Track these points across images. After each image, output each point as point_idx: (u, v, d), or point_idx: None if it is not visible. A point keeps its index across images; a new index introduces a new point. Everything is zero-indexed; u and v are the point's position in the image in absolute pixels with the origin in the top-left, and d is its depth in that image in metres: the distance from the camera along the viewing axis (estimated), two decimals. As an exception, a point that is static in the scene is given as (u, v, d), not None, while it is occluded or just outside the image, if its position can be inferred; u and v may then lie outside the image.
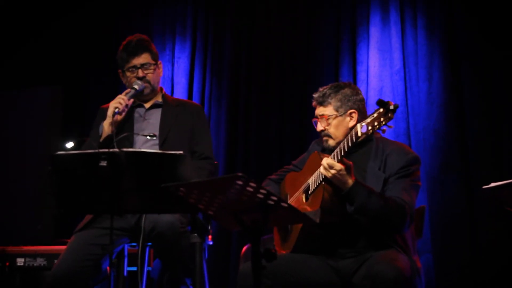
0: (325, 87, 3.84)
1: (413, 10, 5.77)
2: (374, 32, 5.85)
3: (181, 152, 3.35)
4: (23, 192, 6.93)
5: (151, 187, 3.27)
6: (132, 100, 4.23)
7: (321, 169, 3.49)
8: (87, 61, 6.96)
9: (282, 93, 6.20)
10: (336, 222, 3.57)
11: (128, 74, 4.31)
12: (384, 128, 3.32)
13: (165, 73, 6.56)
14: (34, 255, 5.02)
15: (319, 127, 3.79)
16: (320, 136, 3.84)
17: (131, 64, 4.29)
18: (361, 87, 5.81)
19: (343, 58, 5.99)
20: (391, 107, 3.27)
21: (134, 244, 4.06)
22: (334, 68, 6.01)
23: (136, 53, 4.30)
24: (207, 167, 4.24)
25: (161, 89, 4.48)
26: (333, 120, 3.75)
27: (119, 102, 4.11)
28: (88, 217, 4.08)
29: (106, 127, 4.12)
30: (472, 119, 5.45)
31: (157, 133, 4.21)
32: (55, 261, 3.98)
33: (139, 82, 4.25)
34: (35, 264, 5.01)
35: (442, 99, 5.55)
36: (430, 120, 5.55)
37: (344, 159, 3.52)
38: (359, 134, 3.38)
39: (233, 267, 5.94)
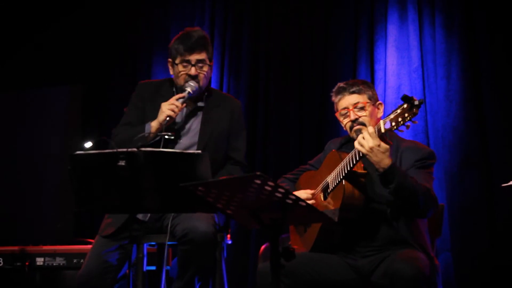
0: (348, 81, 3.86)
1: (431, 7, 5.74)
2: (392, 30, 5.83)
3: (200, 151, 3.35)
4: (42, 192, 6.97)
5: (170, 186, 3.28)
6: (184, 104, 4.09)
7: (359, 139, 3.44)
8: (106, 60, 6.97)
9: (301, 92, 6.18)
10: (355, 219, 3.57)
11: (180, 68, 4.16)
12: (409, 124, 3.30)
13: (183, 72, 6.56)
14: (53, 255, 5.04)
15: (352, 116, 3.74)
16: (349, 128, 3.78)
17: (186, 58, 4.13)
18: (379, 85, 5.79)
19: (360, 56, 5.97)
20: (416, 102, 3.26)
21: (153, 243, 4.07)
22: (352, 67, 5.99)
23: (194, 49, 4.12)
24: (238, 173, 4.20)
25: (207, 88, 4.33)
26: (369, 107, 3.74)
27: (172, 110, 3.98)
28: (105, 223, 4.10)
29: (153, 130, 4.02)
30: (491, 116, 5.41)
31: (196, 140, 4.16)
32: (83, 260, 4.02)
33: (192, 84, 4.10)
34: (54, 264, 5.03)
35: (461, 97, 5.52)
36: (449, 118, 5.53)
37: (386, 138, 3.47)
38: (382, 130, 3.37)
39: (251, 266, 5.94)
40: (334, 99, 3.87)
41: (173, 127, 4.16)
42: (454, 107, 5.52)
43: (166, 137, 3.99)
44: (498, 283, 5.21)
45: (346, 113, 3.78)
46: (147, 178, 3.29)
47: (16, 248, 5.10)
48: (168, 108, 3.99)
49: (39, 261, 5.04)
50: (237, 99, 4.53)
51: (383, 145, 3.40)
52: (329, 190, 3.65)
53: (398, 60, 5.76)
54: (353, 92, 3.78)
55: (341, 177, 3.53)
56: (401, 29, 5.80)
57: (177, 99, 4.04)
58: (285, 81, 6.26)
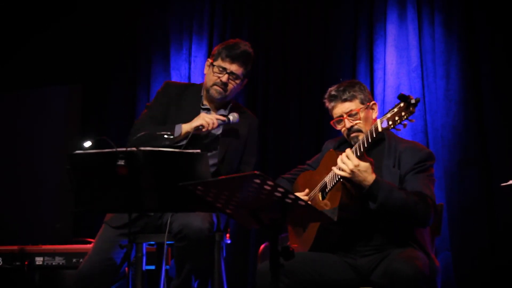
0: (336, 86, 3.83)
1: (430, 6, 5.74)
2: (391, 29, 5.83)
3: (199, 150, 3.36)
4: (41, 191, 6.97)
5: (169, 186, 3.28)
6: (217, 128, 4.16)
7: (339, 163, 3.46)
8: (106, 60, 6.97)
9: (300, 91, 6.18)
10: (354, 219, 3.57)
11: (215, 70, 4.22)
12: (405, 122, 3.31)
13: (182, 72, 6.56)
14: (53, 254, 5.04)
15: (348, 124, 3.73)
16: (346, 135, 3.78)
17: (224, 66, 4.20)
18: (378, 85, 5.79)
19: (360, 56, 5.96)
20: (413, 101, 3.27)
21: (153, 242, 4.07)
22: (351, 66, 5.99)
23: (235, 60, 4.20)
24: None
25: (232, 100, 4.41)
26: (362, 113, 3.73)
27: (207, 123, 4.03)
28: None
29: (183, 132, 4.04)
30: (491, 115, 5.41)
31: (217, 149, 4.20)
32: (82, 260, 4.03)
33: (236, 115, 4.17)
34: (53, 263, 5.04)
35: (460, 96, 5.52)
36: (448, 117, 5.52)
37: (365, 155, 3.50)
38: (380, 129, 3.37)
39: (251, 266, 5.94)
40: (328, 105, 3.86)
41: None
42: (454, 107, 5.52)
43: (166, 136, 4.00)
44: (498, 283, 5.20)
45: (341, 121, 3.78)
46: (146, 178, 3.29)
47: (15, 247, 5.10)
48: (206, 119, 4.05)
49: (39, 260, 5.04)
50: (255, 115, 4.57)
51: (362, 164, 3.42)
52: (327, 190, 3.65)
53: (397, 60, 5.76)
54: (345, 100, 3.76)
55: (339, 177, 3.53)
56: (401, 28, 5.80)
57: (217, 119, 4.11)
58: (284, 81, 6.26)
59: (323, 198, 3.70)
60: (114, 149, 3.29)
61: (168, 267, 4.44)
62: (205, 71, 4.32)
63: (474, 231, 5.35)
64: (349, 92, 3.76)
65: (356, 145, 3.52)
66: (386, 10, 5.89)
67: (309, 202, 3.71)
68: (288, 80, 6.24)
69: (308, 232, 3.74)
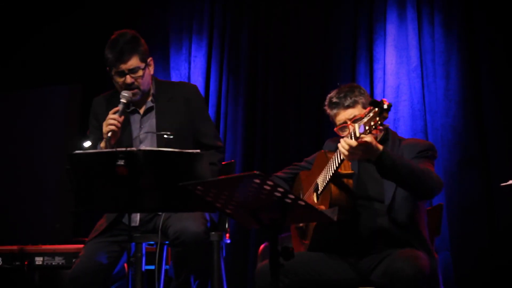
0: (335, 92, 3.79)
1: (430, 6, 5.74)
2: (391, 29, 5.83)
3: (198, 150, 3.35)
4: (41, 191, 6.97)
5: (168, 185, 3.28)
6: (123, 117, 3.99)
7: (339, 147, 3.41)
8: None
9: (299, 91, 6.18)
10: (348, 219, 3.55)
11: (116, 78, 4.09)
12: (381, 127, 3.25)
13: (182, 72, 6.57)
14: (52, 254, 5.04)
15: (352, 129, 3.70)
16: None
17: (119, 69, 4.04)
18: (378, 85, 5.80)
19: (359, 56, 5.97)
20: (385, 106, 3.18)
21: (152, 242, 4.07)
22: (351, 66, 6.00)
23: (123, 58, 4.03)
24: (217, 158, 4.19)
25: (153, 81, 4.25)
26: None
27: (112, 125, 3.90)
28: (99, 224, 4.09)
29: (103, 148, 3.94)
30: (491, 115, 5.41)
31: (155, 144, 4.10)
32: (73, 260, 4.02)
33: (125, 94, 4.02)
34: (53, 263, 5.04)
35: (460, 96, 5.52)
36: (448, 117, 5.53)
37: (362, 136, 3.42)
38: (357, 134, 3.32)
39: (250, 266, 5.94)
40: (329, 112, 3.81)
41: (130, 137, 4.13)
42: (454, 107, 5.52)
43: (165, 136, 3.98)
44: (498, 283, 5.20)
45: (345, 127, 3.75)
46: (146, 178, 3.29)
47: (15, 247, 5.10)
48: (107, 126, 3.93)
49: (38, 260, 5.05)
50: (191, 83, 4.45)
51: (366, 141, 3.36)
52: (319, 192, 3.65)
53: (397, 60, 5.76)
54: (348, 107, 3.71)
55: (328, 180, 3.52)
56: (400, 28, 5.80)
57: (113, 113, 3.97)
58: (284, 81, 6.26)
59: (317, 199, 3.70)
60: (114, 149, 3.29)
61: (167, 267, 4.44)
62: (113, 81, 4.16)
63: (474, 231, 5.36)
64: (350, 98, 3.72)
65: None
66: (386, 10, 5.89)
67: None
68: (287, 80, 6.24)
69: (309, 232, 3.74)
